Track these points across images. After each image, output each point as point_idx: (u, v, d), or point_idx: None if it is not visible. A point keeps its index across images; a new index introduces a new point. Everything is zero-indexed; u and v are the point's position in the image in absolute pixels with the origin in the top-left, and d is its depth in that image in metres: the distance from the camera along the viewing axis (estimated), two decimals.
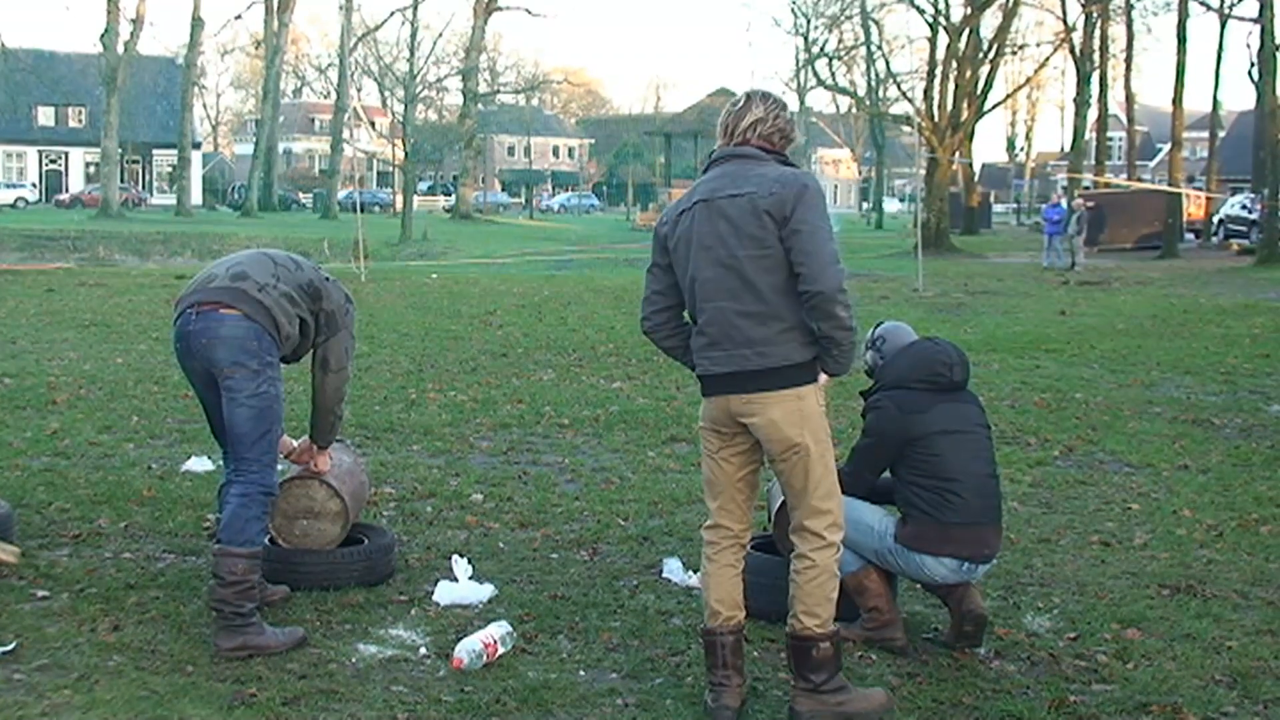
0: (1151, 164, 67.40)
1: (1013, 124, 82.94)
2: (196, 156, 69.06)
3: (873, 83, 51.04)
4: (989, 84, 38.82)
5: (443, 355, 11.81)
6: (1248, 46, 39.62)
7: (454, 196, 64.55)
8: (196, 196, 66.73)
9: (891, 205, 77.38)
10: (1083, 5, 41.29)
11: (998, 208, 66.32)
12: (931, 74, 38.41)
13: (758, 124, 3.80)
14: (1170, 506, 6.48)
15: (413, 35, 55.06)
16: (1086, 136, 46.65)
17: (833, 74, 50.58)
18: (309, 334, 4.53)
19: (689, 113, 58.11)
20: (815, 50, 49.07)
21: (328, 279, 4.65)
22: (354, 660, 4.17)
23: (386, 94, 60.56)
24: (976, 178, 53.28)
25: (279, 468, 4.55)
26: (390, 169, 70.96)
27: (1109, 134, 48.47)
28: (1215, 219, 40.21)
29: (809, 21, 51.65)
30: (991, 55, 38.41)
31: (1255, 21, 33.25)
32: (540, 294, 19.21)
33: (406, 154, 46.76)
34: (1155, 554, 5.61)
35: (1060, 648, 4.43)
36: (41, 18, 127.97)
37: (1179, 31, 35.47)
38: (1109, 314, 17.08)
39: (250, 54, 78.52)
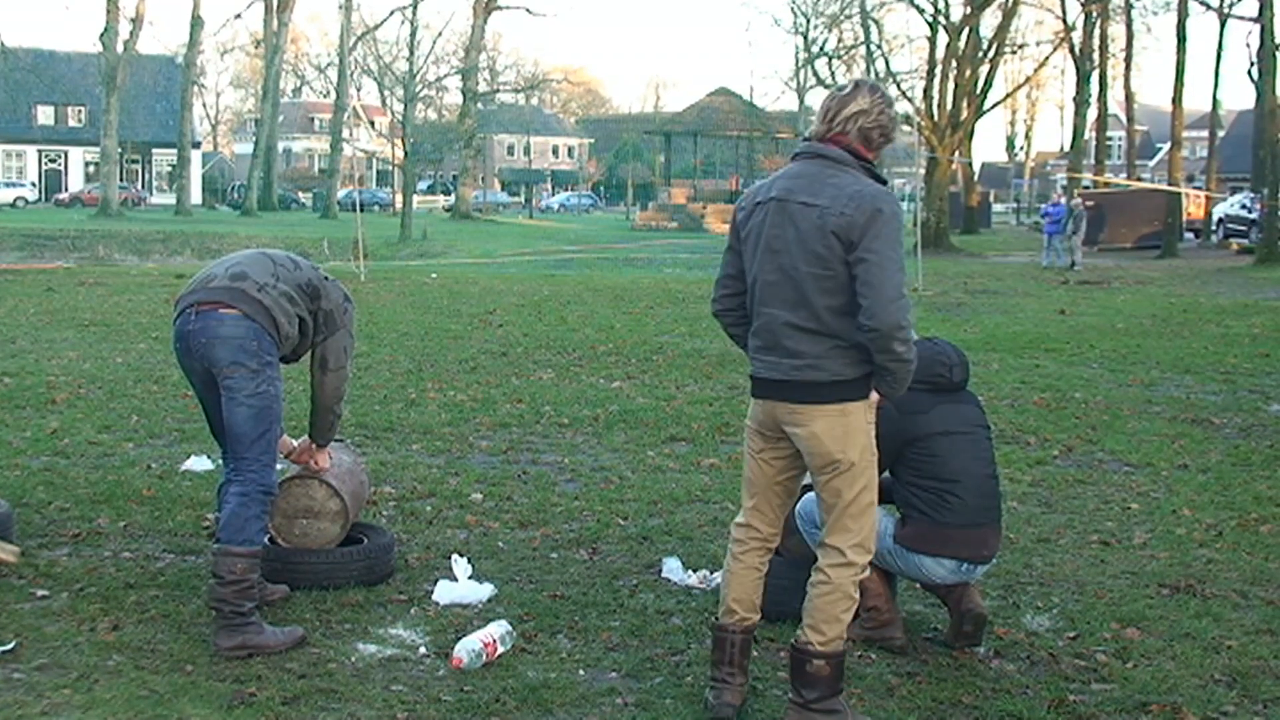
0: (1151, 163, 67.44)
1: (1012, 123, 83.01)
2: (196, 156, 69.07)
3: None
4: (989, 83, 38.85)
5: (442, 355, 11.81)
6: (1247, 46, 39.71)
7: (454, 196, 64.51)
8: (196, 196, 66.70)
9: None
10: (1082, 4, 41.32)
11: (997, 207, 66.27)
12: (931, 73, 38.42)
13: (860, 115, 3.62)
14: (1170, 506, 6.48)
15: (412, 34, 55.01)
16: (1086, 136, 46.66)
17: (832, 73, 50.43)
18: (308, 333, 4.53)
19: (689, 112, 58.05)
20: (815, 49, 49.02)
21: (326, 278, 4.65)
22: (353, 660, 4.17)
23: (386, 93, 60.50)
24: (976, 177, 53.28)
25: (278, 467, 4.55)
26: (390, 168, 70.96)
27: (1109, 133, 48.52)
28: (1215, 218, 40.21)
29: (809, 21, 51.60)
30: (991, 54, 38.43)
31: (1255, 21, 33.24)
32: (540, 293, 19.20)
33: (406, 153, 46.71)
34: (1155, 553, 5.61)
35: (1060, 647, 4.43)
36: (41, 17, 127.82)
37: (1179, 31, 35.50)
38: (1108, 313, 17.08)
39: (250, 53, 78.53)
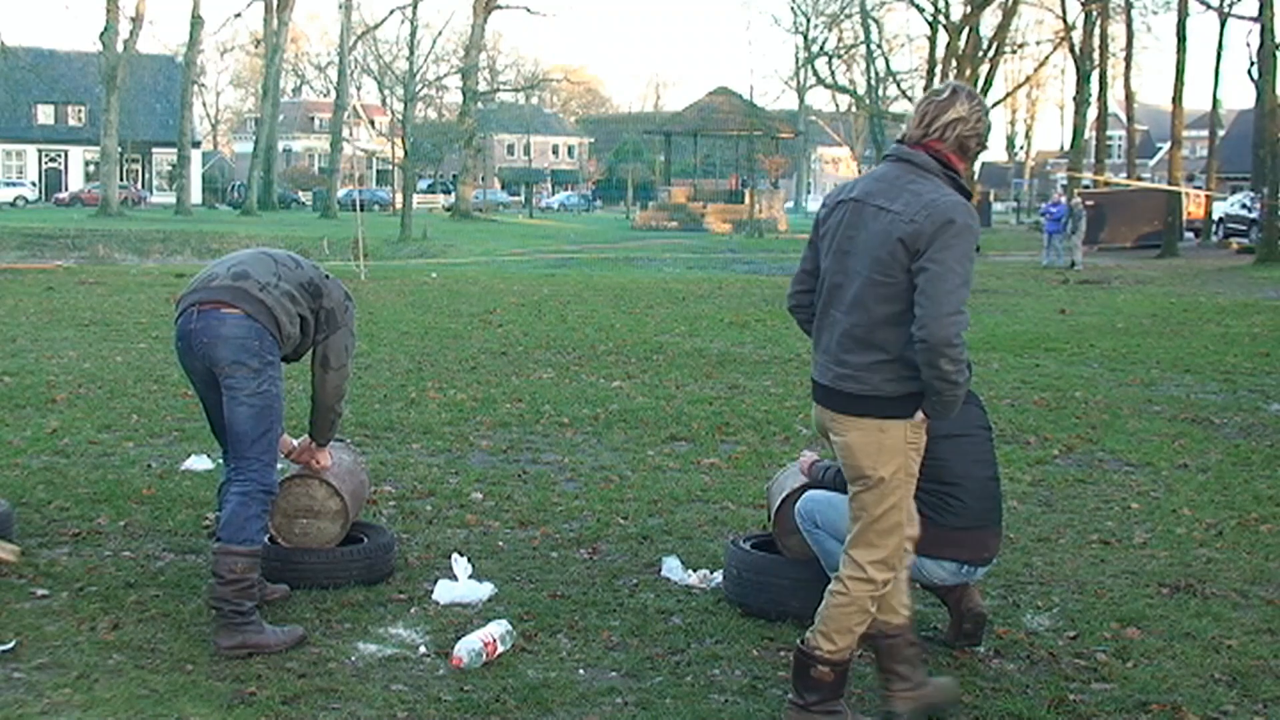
0: (1151, 163, 67.42)
1: (1012, 122, 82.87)
2: (196, 155, 69.09)
3: (872, 81, 50.97)
4: (989, 82, 38.85)
5: (442, 354, 11.81)
6: (1247, 45, 39.68)
7: (454, 195, 64.51)
8: (196, 195, 66.74)
9: None
10: (1082, 4, 41.31)
11: (997, 206, 66.28)
12: (931, 72, 38.45)
13: (959, 123, 3.56)
14: (1170, 505, 6.48)
15: (412, 34, 54.99)
16: (1086, 135, 46.66)
17: (832, 72, 50.64)
18: (309, 332, 4.53)
19: (689, 111, 58.02)
20: (815, 49, 49.10)
21: (327, 277, 4.65)
22: (353, 659, 4.17)
23: (386, 92, 60.46)
24: (976, 176, 53.18)
25: (279, 466, 4.55)
26: (390, 167, 70.97)
27: (1109, 132, 48.50)
28: (1215, 218, 40.21)
29: (809, 20, 51.70)
30: (991, 54, 38.48)
31: (1255, 20, 33.21)
32: (540, 293, 19.20)
33: (406, 152, 46.72)
34: (1155, 553, 5.61)
35: (1060, 646, 4.43)
36: (41, 16, 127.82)
37: (1179, 30, 35.48)
38: (1108, 313, 17.09)
39: (250, 52, 78.56)
